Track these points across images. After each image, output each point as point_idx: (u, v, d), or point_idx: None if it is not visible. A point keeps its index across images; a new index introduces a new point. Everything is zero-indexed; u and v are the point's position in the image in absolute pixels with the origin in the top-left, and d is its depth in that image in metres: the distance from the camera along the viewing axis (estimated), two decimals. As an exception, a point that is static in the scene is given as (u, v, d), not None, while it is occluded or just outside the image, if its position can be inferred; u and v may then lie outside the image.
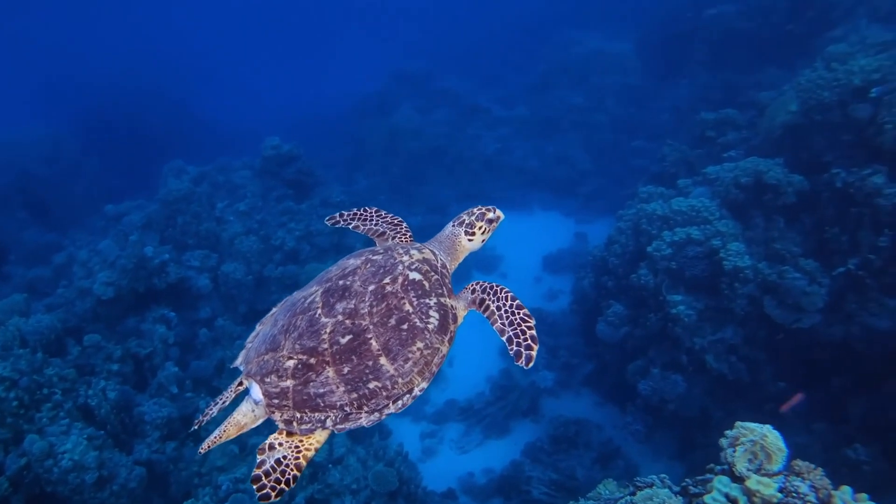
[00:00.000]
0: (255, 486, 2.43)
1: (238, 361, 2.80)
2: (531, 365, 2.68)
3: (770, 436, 3.24)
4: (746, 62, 15.92)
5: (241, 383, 2.68)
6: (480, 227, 3.18)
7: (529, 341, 2.74)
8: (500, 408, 12.63)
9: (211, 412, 2.71)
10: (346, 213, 3.49)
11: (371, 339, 2.57)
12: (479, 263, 16.54)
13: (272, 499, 2.39)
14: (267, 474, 2.46)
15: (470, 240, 3.18)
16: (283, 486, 2.44)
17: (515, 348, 2.73)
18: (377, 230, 3.39)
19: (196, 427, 2.77)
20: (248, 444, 9.73)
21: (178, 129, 25.25)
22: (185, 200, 14.66)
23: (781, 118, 10.38)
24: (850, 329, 8.80)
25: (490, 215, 3.21)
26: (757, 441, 3.23)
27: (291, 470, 2.49)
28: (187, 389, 10.58)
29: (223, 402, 2.69)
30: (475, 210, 3.23)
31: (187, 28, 38.04)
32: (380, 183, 20.01)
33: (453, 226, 3.21)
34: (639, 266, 9.86)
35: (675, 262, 9.31)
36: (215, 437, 2.63)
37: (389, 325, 2.62)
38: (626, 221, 10.68)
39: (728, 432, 3.44)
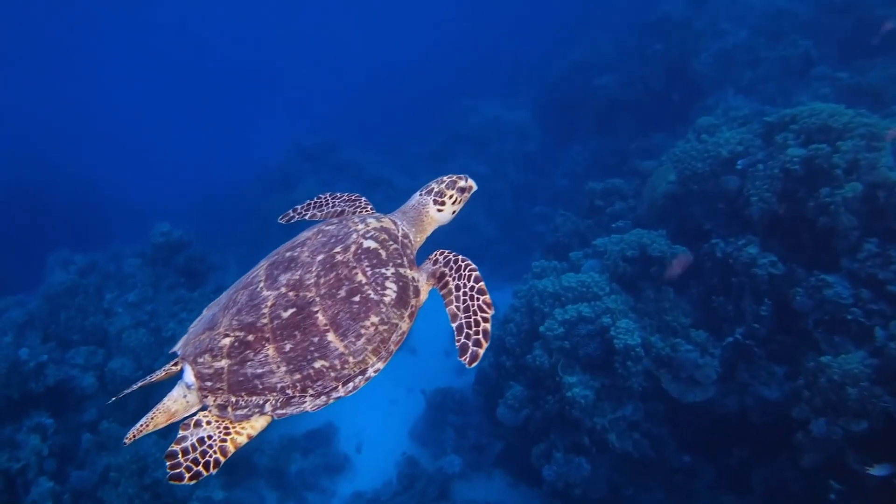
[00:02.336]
0: (168, 464, 2.13)
1: (177, 346, 2.51)
2: (475, 364, 2.43)
3: None
4: (633, 129, 16.53)
5: (176, 363, 2.42)
6: (451, 197, 2.93)
7: (480, 336, 2.47)
8: (409, 498, 11.87)
9: (133, 387, 2.47)
10: (299, 207, 3.27)
11: (317, 312, 2.31)
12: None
13: (185, 481, 2.09)
14: (185, 452, 2.16)
15: (440, 210, 2.93)
16: (200, 468, 2.13)
17: (463, 340, 2.47)
18: (335, 211, 3.16)
19: (113, 399, 2.53)
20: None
21: (73, 210, 23.89)
22: (70, 294, 14.00)
23: (662, 188, 10.57)
24: (744, 399, 8.72)
25: (462, 183, 2.98)
26: None
27: (215, 453, 2.17)
28: (65, 505, 9.54)
29: (150, 380, 2.42)
30: (444, 178, 3.00)
31: (83, 101, 36.54)
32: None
33: (421, 195, 2.97)
34: (533, 346, 9.56)
35: (569, 342, 9.06)
36: (142, 426, 2.29)
37: (338, 296, 2.35)
38: (520, 298, 10.44)
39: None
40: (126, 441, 2.30)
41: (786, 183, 8.49)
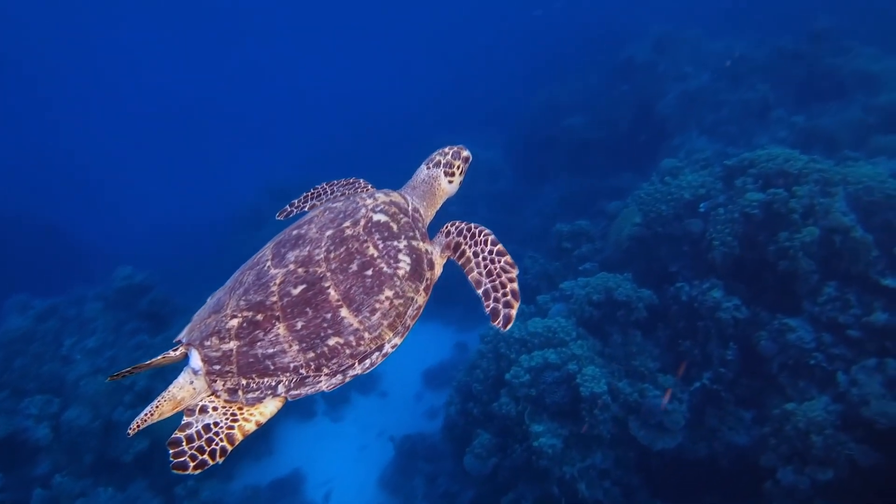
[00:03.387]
0: (171, 451, 1.98)
1: (182, 334, 2.36)
2: (509, 327, 2.39)
3: None
4: (602, 168, 16.67)
5: (176, 349, 2.26)
6: (458, 167, 2.91)
7: (510, 296, 2.44)
8: (377, 553, 11.47)
9: (129, 369, 2.21)
10: (296, 201, 3.12)
11: (329, 287, 2.21)
12: (355, 384, 15.63)
13: (189, 471, 1.95)
14: (189, 440, 2.02)
15: (450, 181, 2.90)
16: (206, 456, 1.99)
17: (493, 304, 2.43)
18: (335, 197, 2.99)
19: (109, 379, 2.38)
20: None
21: (34, 253, 23.28)
22: (25, 340, 13.78)
23: (628, 230, 10.58)
24: (713, 445, 8.59)
25: (465, 153, 2.94)
26: None
27: (221, 441, 2.03)
28: (11, 570, 9.29)
29: (148, 364, 2.20)
30: (447, 150, 2.93)
31: (46, 142, 36.13)
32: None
33: (428, 168, 2.91)
34: (500, 393, 9.36)
35: (535, 389, 8.89)
36: (146, 415, 2.13)
37: (350, 271, 2.26)
38: (487, 344, 10.28)
39: None
40: (129, 432, 2.13)
41: (746, 227, 8.53)
